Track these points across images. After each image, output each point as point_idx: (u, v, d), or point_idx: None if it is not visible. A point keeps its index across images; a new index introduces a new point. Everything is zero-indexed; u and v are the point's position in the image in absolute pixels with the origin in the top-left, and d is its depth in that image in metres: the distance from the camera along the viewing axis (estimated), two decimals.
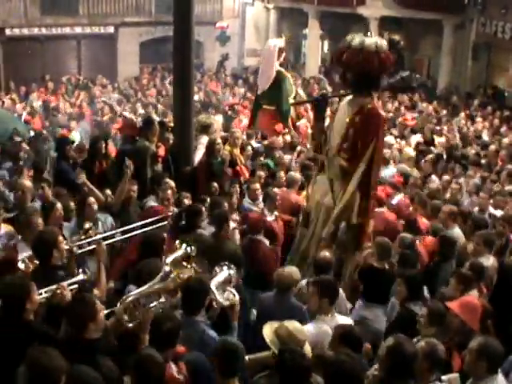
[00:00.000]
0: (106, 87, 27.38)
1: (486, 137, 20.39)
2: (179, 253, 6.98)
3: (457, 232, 10.40)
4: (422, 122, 21.15)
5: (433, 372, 6.11)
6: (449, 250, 9.59)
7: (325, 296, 7.42)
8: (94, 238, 7.95)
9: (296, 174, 12.09)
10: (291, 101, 16.88)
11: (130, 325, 6.33)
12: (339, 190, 9.73)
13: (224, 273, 7.09)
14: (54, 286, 6.50)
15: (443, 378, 6.28)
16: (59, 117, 21.82)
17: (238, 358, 5.73)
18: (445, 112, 23.99)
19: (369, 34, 9.86)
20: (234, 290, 7.00)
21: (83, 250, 7.94)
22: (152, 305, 6.48)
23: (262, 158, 14.06)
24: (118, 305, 6.46)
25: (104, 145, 12.04)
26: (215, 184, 11.47)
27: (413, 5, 28.03)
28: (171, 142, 12.84)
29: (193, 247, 7.04)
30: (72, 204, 9.64)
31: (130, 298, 6.49)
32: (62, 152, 12.16)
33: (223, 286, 6.97)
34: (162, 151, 12.66)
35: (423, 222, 10.85)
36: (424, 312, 7.08)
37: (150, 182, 11.51)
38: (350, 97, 9.88)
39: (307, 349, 6.43)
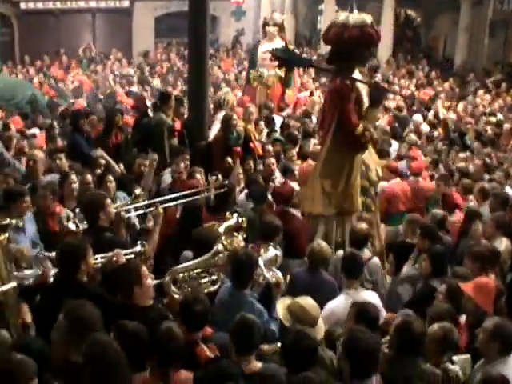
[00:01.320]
0: (121, 61, 27.32)
1: (500, 115, 20.23)
2: (231, 222, 7.35)
3: (487, 210, 10.26)
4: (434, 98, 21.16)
5: (444, 354, 6.11)
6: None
7: (346, 271, 7.56)
8: (143, 203, 8.39)
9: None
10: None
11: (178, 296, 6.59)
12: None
13: (271, 252, 7.37)
14: (110, 253, 6.73)
15: (454, 358, 6.28)
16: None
17: (253, 335, 5.70)
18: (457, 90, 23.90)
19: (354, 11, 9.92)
20: (278, 271, 7.19)
21: (131, 213, 8.37)
22: (204, 280, 6.76)
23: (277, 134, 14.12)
24: (167, 276, 6.74)
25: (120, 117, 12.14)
26: (229, 159, 11.46)
27: None
28: (185, 116, 12.87)
29: (244, 218, 7.44)
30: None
31: (178, 270, 6.82)
32: (77, 125, 12.16)
33: (269, 264, 7.17)
34: (177, 126, 12.68)
35: (459, 198, 11.02)
36: (442, 288, 7.10)
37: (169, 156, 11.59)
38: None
39: (320, 325, 6.45)
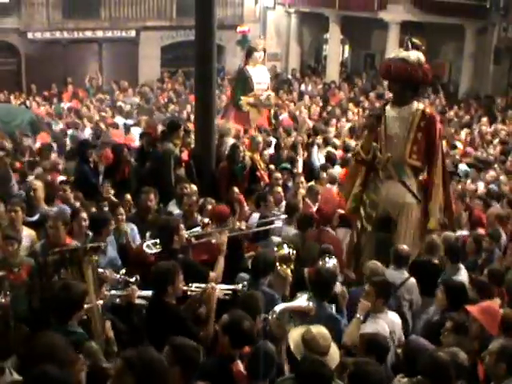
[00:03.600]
0: (127, 91, 27.36)
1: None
2: (282, 252, 8.15)
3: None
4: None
5: (456, 381, 6.06)
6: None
7: (380, 296, 7.63)
8: (211, 231, 9.00)
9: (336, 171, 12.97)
10: None
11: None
12: (415, 187, 10.57)
13: (331, 261, 8.13)
14: (203, 285, 7.34)
15: None
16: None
17: (271, 362, 5.81)
18: (467, 117, 23.85)
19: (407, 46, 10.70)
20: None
21: (201, 240, 8.99)
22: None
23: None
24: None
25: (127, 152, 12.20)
26: (236, 189, 11.48)
27: (434, 9, 27.90)
28: (192, 146, 12.92)
29: (293, 250, 8.16)
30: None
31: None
32: (84, 155, 12.19)
33: None
34: (185, 155, 12.71)
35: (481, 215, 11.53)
36: (448, 325, 7.07)
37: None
38: (392, 108, 10.70)
39: (333, 353, 6.42)
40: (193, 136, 13.28)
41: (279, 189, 11.77)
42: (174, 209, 10.80)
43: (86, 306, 6.52)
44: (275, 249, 8.40)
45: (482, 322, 7.11)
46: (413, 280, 8.83)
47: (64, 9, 29.89)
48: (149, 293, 7.23)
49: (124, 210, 10.05)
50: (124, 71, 30.75)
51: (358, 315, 7.48)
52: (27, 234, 9.22)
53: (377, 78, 31.68)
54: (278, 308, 7.06)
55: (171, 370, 5.18)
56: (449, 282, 8.23)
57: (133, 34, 31.70)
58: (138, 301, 7.27)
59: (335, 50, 32.88)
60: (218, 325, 6.36)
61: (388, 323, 7.52)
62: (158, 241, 8.37)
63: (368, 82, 31.13)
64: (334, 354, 6.44)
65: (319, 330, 6.45)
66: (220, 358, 5.90)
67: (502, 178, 14.61)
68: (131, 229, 9.71)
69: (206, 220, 9.35)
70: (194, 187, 11.11)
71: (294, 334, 6.53)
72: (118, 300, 7.33)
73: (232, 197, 11.27)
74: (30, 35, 29.55)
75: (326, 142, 16.13)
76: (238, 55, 33.62)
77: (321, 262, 8.06)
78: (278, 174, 12.73)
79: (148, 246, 8.38)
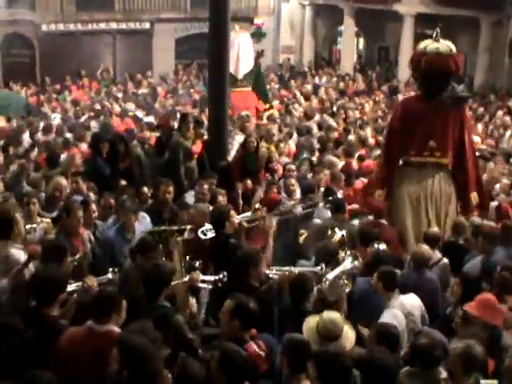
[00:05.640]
0: (141, 83, 27.39)
1: None
2: (337, 237, 8.61)
3: None
4: None
5: (469, 374, 6.02)
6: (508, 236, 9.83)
7: (387, 287, 7.74)
8: (261, 215, 9.43)
9: None
10: None
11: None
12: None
13: (381, 247, 8.64)
14: (285, 268, 7.86)
15: (482, 382, 6.19)
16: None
17: (307, 354, 5.75)
18: (482, 109, 23.72)
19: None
20: None
21: (251, 224, 9.46)
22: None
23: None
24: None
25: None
26: (249, 181, 11.48)
27: (449, 2, 27.78)
28: (205, 137, 12.90)
29: (345, 233, 8.64)
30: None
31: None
32: (98, 148, 12.17)
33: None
34: (198, 147, 12.70)
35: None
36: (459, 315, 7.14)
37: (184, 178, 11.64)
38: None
39: (346, 336, 6.47)
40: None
41: (293, 181, 11.72)
42: (191, 200, 10.84)
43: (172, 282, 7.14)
44: (329, 233, 8.84)
45: (483, 318, 7.06)
46: (445, 260, 9.21)
47: (78, 1, 30.00)
48: (211, 278, 7.62)
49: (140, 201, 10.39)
50: (138, 63, 30.77)
51: None
52: (42, 226, 9.26)
53: (391, 70, 31.68)
54: (330, 276, 7.53)
55: None
56: (464, 273, 8.28)
57: (147, 25, 31.68)
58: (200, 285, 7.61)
59: (349, 42, 32.82)
60: (223, 311, 6.42)
61: (402, 307, 7.65)
62: (211, 227, 8.72)
63: (382, 75, 31.06)
64: (348, 336, 6.47)
65: (329, 316, 6.50)
66: (233, 342, 5.90)
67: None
68: (143, 217, 9.68)
69: (257, 205, 9.77)
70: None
71: (311, 322, 6.56)
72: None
73: (245, 188, 11.32)
74: (44, 27, 29.59)
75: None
76: None
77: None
78: (292, 166, 12.71)
79: (202, 232, 8.67)
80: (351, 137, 16.48)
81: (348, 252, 8.03)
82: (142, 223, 9.50)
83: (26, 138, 16.14)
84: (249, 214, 9.70)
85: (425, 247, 8.96)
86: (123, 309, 6.27)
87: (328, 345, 6.15)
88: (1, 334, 5.94)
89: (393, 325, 6.89)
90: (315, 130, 17.60)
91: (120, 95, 24.55)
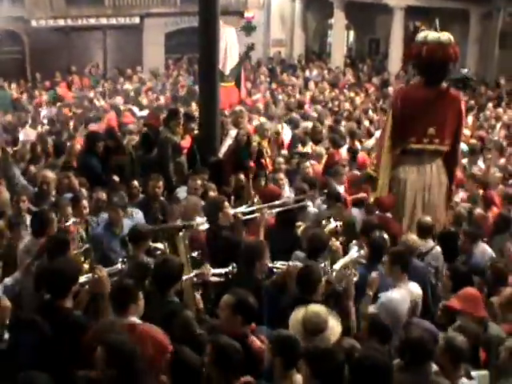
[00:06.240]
0: (132, 78, 27.35)
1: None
2: (331, 226, 8.89)
3: None
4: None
5: (457, 366, 6.05)
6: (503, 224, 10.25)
7: (395, 263, 7.87)
8: (256, 207, 9.60)
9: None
10: None
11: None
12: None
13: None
14: (289, 262, 7.88)
15: (473, 374, 6.22)
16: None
17: (298, 350, 5.75)
18: (472, 102, 23.75)
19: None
20: None
21: (247, 216, 9.53)
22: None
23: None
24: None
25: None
26: (242, 176, 11.48)
27: None
28: (195, 132, 12.88)
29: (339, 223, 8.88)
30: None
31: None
32: (93, 147, 12.12)
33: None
34: (187, 142, 12.68)
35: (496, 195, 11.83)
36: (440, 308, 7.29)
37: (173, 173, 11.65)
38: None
39: (329, 332, 6.43)
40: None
41: (281, 175, 11.76)
42: (183, 195, 10.87)
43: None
44: (323, 223, 9.23)
45: (467, 312, 7.11)
46: (438, 249, 9.33)
47: None
48: (221, 271, 7.73)
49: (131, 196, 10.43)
50: (128, 58, 30.65)
51: (368, 292, 7.71)
52: None
53: (382, 63, 31.68)
54: (337, 265, 7.74)
55: None
56: (455, 268, 8.31)
57: (137, 20, 31.53)
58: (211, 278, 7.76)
59: (340, 35, 32.74)
60: (223, 306, 6.40)
61: (411, 293, 7.79)
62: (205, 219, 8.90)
63: (372, 67, 31.07)
64: (333, 329, 6.45)
65: (313, 309, 6.49)
66: (236, 338, 5.86)
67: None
68: (136, 212, 9.80)
69: (256, 199, 9.92)
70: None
71: (297, 315, 6.56)
72: (194, 279, 7.71)
73: (238, 182, 11.32)
74: (33, 23, 29.43)
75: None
76: (241, 41, 33.55)
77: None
78: (281, 159, 12.79)
79: (197, 224, 8.82)
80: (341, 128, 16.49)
81: (353, 242, 8.38)
82: (134, 219, 9.54)
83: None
84: (245, 206, 9.84)
85: (413, 237, 9.17)
86: (140, 298, 6.33)
87: (313, 339, 6.17)
88: (21, 328, 6.08)
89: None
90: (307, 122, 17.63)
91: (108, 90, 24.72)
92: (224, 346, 5.55)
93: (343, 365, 5.51)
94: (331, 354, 5.54)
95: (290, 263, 7.82)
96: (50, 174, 10.63)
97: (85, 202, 9.55)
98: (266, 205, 9.67)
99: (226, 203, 9.25)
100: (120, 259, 7.52)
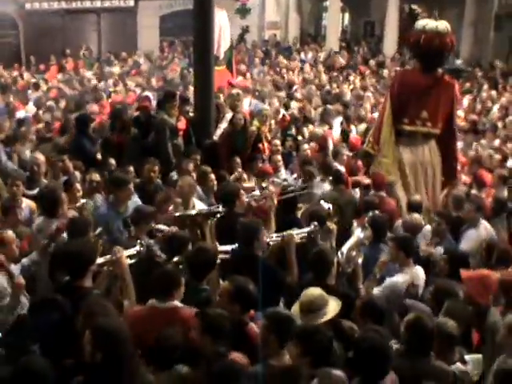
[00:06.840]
0: (127, 61, 27.26)
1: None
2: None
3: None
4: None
5: (451, 350, 6.09)
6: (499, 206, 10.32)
7: (401, 249, 7.94)
8: (268, 193, 9.48)
9: None
10: None
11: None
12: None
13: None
14: (284, 233, 7.95)
15: (467, 358, 6.25)
16: None
17: (292, 329, 5.79)
18: (468, 84, 23.75)
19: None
20: None
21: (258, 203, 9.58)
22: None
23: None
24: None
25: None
26: (238, 160, 11.49)
27: None
28: (191, 114, 12.88)
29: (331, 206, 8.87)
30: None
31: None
32: (84, 129, 12.13)
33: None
34: (182, 124, 12.67)
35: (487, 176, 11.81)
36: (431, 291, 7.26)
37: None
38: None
39: (328, 309, 6.46)
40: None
41: (279, 157, 11.80)
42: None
43: None
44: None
45: (471, 293, 7.13)
46: (428, 227, 9.52)
47: None
48: (228, 248, 7.79)
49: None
50: (123, 41, 30.61)
51: (375, 273, 7.83)
52: (26, 205, 9.44)
53: (377, 45, 31.62)
54: (344, 248, 7.84)
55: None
56: (452, 251, 8.40)
57: (131, 3, 31.42)
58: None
59: (335, 17, 32.62)
60: (222, 293, 6.45)
61: (414, 277, 7.85)
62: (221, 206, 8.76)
63: (368, 50, 31.01)
64: (330, 307, 6.47)
65: (312, 292, 6.53)
66: (234, 325, 5.90)
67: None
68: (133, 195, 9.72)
69: (264, 184, 10.02)
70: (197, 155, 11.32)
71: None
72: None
73: (233, 165, 11.37)
74: (27, 6, 29.34)
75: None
76: (236, 24, 33.44)
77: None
78: (277, 141, 12.82)
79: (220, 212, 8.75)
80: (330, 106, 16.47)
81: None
82: (132, 201, 9.54)
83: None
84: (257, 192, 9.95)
85: (416, 215, 9.45)
86: (182, 284, 6.44)
87: (307, 318, 6.26)
88: (42, 307, 6.10)
89: (374, 297, 7.10)
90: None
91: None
92: (212, 315, 5.71)
93: (331, 341, 5.63)
94: (320, 331, 5.64)
95: (285, 233, 7.89)
96: (41, 156, 10.68)
97: (78, 186, 9.50)
98: (274, 190, 9.77)
99: (242, 191, 9.37)
100: (138, 241, 7.46)
